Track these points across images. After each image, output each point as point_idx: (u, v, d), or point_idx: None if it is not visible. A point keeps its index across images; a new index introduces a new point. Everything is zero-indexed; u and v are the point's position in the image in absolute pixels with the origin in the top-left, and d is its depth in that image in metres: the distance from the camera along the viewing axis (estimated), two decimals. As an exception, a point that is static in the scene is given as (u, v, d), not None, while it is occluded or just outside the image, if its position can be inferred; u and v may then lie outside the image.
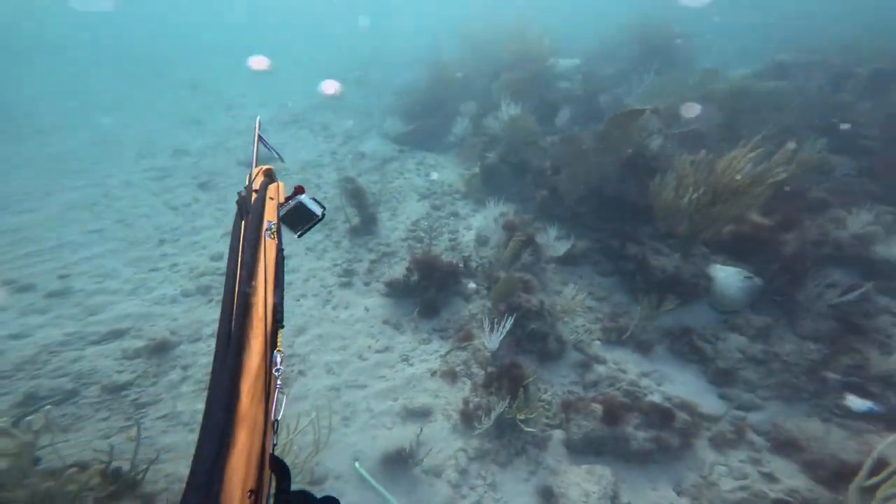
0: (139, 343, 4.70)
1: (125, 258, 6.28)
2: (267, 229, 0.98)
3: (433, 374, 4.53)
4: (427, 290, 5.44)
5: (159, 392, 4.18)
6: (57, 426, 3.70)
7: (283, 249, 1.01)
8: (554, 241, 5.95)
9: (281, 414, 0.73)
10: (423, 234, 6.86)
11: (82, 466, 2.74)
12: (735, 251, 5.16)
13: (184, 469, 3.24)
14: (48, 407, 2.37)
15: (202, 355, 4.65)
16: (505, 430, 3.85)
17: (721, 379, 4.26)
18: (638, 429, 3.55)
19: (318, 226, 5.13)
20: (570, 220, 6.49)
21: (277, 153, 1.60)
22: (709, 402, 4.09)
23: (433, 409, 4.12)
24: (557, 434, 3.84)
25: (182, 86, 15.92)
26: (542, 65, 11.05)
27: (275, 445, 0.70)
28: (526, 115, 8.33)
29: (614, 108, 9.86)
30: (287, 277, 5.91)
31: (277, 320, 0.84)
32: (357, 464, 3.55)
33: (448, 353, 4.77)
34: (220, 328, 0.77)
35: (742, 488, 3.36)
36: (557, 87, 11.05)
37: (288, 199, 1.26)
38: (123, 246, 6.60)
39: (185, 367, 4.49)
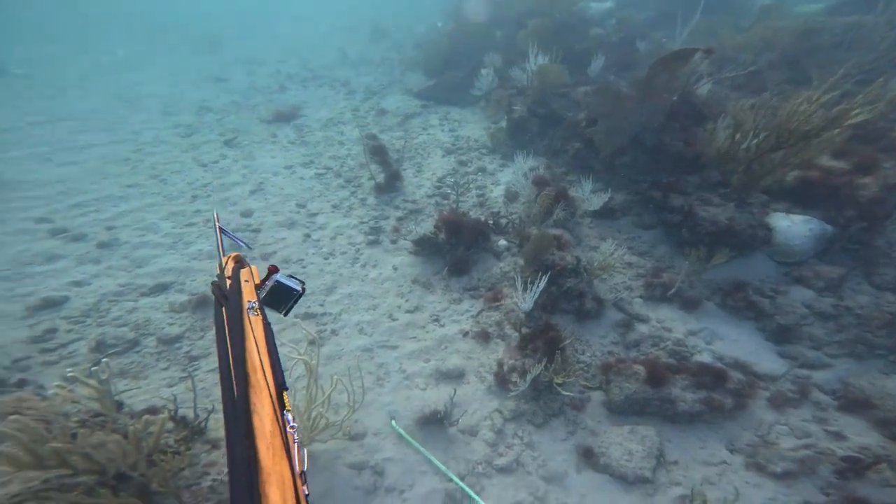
0: (183, 297, 4.66)
1: (162, 213, 6.21)
2: (249, 308, 1.03)
3: (465, 335, 4.30)
4: (456, 247, 5.13)
5: (207, 346, 4.13)
6: (128, 373, 3.80)
7: (269, 323, 1.07)
8: (589, 195, 5.48)
9: (306, 466, 0.70)
10: (449, 191, 6.47)
11: (153, 412, 2.81)
12: (801, 198, 4.58)
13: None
14: (105, 359, 2.45)
15: None
16: (541, 392, 3.62)
17: (781, 336, 3.84)
18: (686, 390, 3.23)
19: (342, 182, 4.77)
20: (606, 173, 5.97)
21: (244, 242, 1.54)
22: (767, 360, 3.71)
23: (466, 371, 3.91)
24: (597, 396, 3.58)
25: (200, 43, 15.46)
26: (570, 9, 10.00)
27: (307, 495, 0.68)
28: (555, 64, 7.58)
29: (654, 55, 8.91)
30: (315, 235, 5.77)
31: (279, 384, 0.87)
32: (394, 422, 3.41)
33: (480, 313, 4.51)
34: (223, 403, 0.80)
35: (806, 447, 3.06)
36: (588, 34, 10.06)
37: (263, 280, 1.26)
38: (160, 200, 6.52)
39: None
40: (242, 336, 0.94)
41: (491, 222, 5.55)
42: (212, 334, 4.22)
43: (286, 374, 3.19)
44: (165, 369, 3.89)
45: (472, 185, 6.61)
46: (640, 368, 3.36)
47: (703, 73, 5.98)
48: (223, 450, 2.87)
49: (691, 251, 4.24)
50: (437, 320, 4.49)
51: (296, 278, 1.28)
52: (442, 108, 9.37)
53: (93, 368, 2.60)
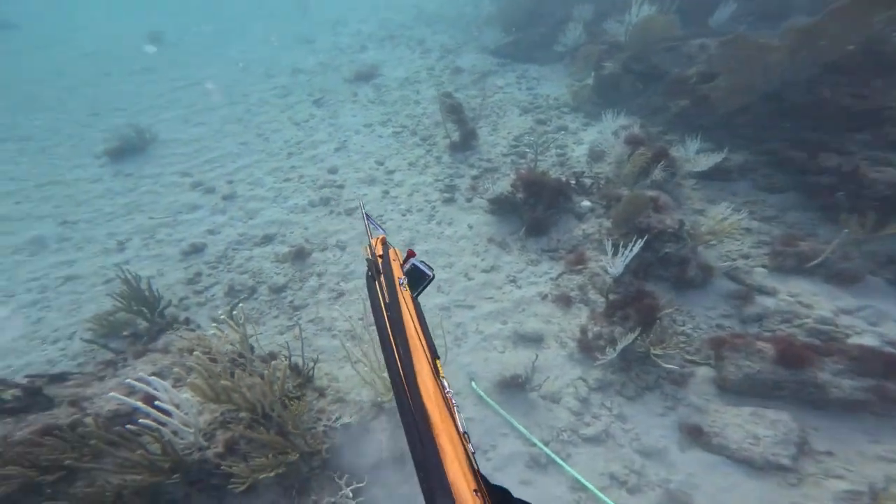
0: (285, 248, 4.81)
1: (266, 168, 6.48)
2: (400, 283, 1.11)
3: (544, 297, 3.95)
4: (534, 207, 4.70)
5: (305, 297, 4.22)
6: (251, 319, 3.99)
7: (416, 297, 1.15)
8: (694, 156, 4.71)
9: (465, 428, 0.70)
10: (527, 150, 5.97)
11: (274, 358, 2.91)
12: None
13: (336, 370, 3.29)
14: (241, 305, 2.50)
15: (330, 264, 4.59)
16: (632, 363, 3.20)
17: None
18: (840, 375, 2.62)
19: (418, 140, 4.56)
20: (719, 131, 5.10)
21: (381, 228, 1.59)
22: None
23: (545, 336, 3.59)
24: (703, 372, 3.08)
25: (291, 6, 16.03)
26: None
27: (473, 453, 0.66)
28: (665, 15, 6.52)
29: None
30: (393, 192, 5.64)
31: (433, 352, 0.90)
32: (474, 384, 3.21)
33: (560, 275, 4.11)
34: (388, 368, 0.87)
35: None
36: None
37: (403, 262, 1.35)
38: (264, 157, 6.81)
39: (319, 275, 4.46)
40: (399, 306, 1.01)
41: (573, 182, 5.02)
42: (308, 286, 4.31)
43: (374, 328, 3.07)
44: (276, 317, 4.02)
45: (551, 145, 6.04)
46: (766, 346, 2.79)
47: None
48: (330, 398, 2.88)
49: (847, 217, 3.41)
50: (513, 281, 4.18)
51: (428, 266, 1.36)
52: (520, 65, 8.68)
53: (233, 313, 2.68)
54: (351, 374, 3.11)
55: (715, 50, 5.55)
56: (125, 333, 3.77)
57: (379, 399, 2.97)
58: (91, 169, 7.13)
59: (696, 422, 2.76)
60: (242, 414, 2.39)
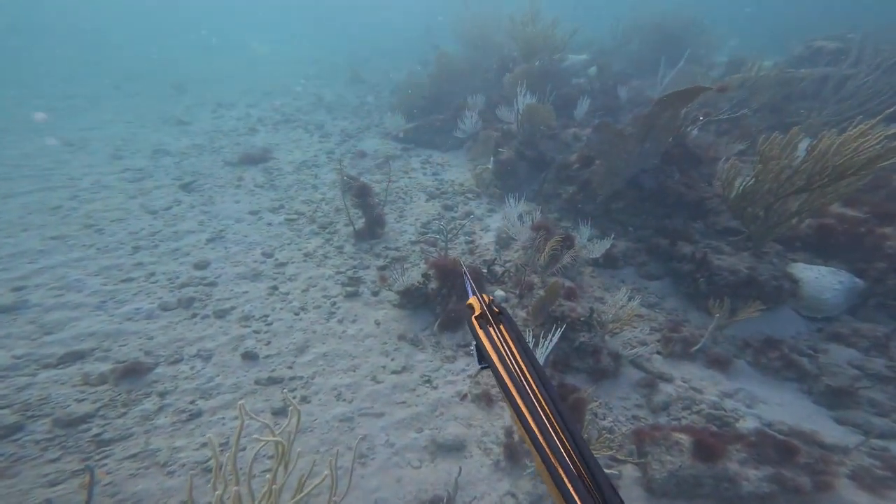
0: (104, 366, 4.05)
1: (92, 267, 5.57)
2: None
3: (463, 397, 3.90)
4: (448, 298, 4.83)
5: (129, 425, 3.53)
6: None
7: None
8: (587, 242, 5.39)
9: None
10: (436, 237, 6.27)
11: None
12: (817, 248, 4.56)
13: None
14: None
15: (183, 380, 3.98)
16: (560, 468, 3.19)
17: (834, 400, 3.61)
18: (745, 465, 2.89)
19: (316, 229, 4.56)
20: (602, 218, 5.96)
21: (475, 291, 1.53)
22: (826, 428, 3.42)
23: (467, 442, 3.49)
24: (629, 471, 3.19)
25: (165, 88, 15.17)
26: (550, 58, 10.66)
27: None
28: (544, 104, 7.84)
29: (636, 102, 9.51)
30: (283, 287, 5.34)
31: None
32: (382, 520, 2.88)
33: (479, 372, 4.14)
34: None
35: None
36: (570, 82, 10.71)
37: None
38: (91, 253, 5.87)
39: (162, 395, 3.83)
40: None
41: (485, 270, 5.33)
42: (138, 410, 3.68)
43: (243, 454, 2.57)
44: (54, 460, 3.23)
45: (460, 231, 6.45)
46: (682, 437, 3.02)
47: (695, 118, 6.25)
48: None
49: (714, 304, 4.07)
50: (428, 381, 4.10)
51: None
52: (424, 151, 9.46)
53: None
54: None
55: (590, 136, 6.71)
56: None
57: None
58: None
59: (629, 535, 2.78)
60: None
